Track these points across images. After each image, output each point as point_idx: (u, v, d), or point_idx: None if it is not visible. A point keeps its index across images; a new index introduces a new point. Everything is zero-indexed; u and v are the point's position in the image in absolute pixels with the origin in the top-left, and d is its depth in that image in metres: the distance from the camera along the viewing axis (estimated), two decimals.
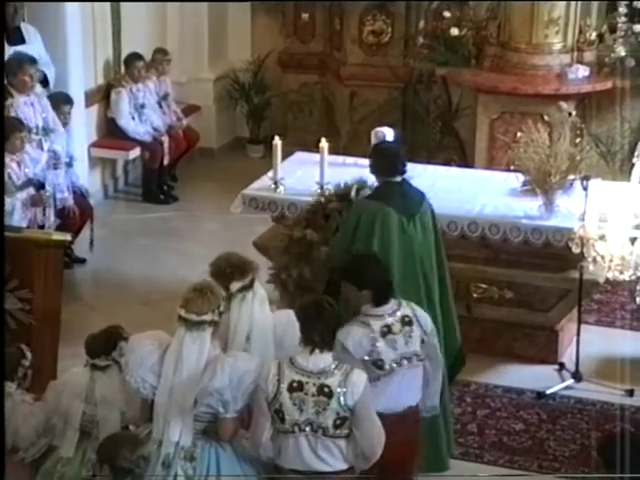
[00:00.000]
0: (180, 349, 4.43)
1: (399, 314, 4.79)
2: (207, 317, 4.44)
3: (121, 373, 4.71)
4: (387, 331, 4.73)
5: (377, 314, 4.77)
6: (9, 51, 7.62)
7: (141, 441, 4.37)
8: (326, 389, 4.34)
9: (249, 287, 4.84)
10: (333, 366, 4.40)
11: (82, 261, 8.01)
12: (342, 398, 4.34)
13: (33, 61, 7.52)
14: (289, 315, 4.93)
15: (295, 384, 4.37)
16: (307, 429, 4.37)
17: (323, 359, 4.41)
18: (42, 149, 7.42)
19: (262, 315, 4.84)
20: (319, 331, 4.41)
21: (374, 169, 5.50)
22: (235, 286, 4.77)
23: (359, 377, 4.41)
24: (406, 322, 4.78)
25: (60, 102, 7.86)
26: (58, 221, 7.43)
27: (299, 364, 4.41)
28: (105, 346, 4.86)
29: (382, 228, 5.30)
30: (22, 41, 7.88)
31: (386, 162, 5.44)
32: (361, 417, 4.37)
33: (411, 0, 8.95)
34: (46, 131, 7.48)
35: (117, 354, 4.82)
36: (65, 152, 7.71)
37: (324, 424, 4.34)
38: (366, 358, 4.68)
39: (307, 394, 4.36)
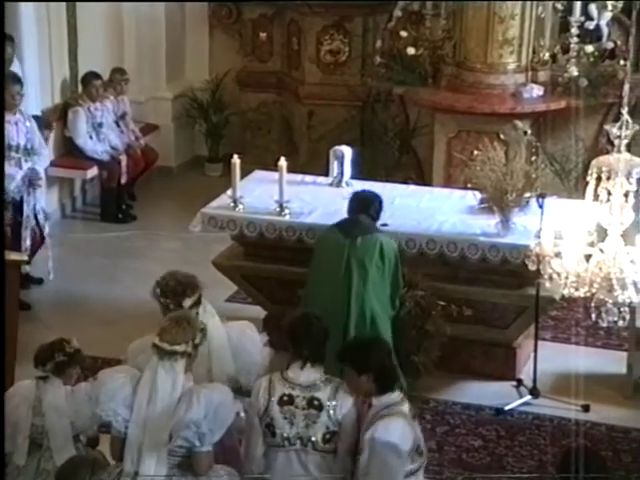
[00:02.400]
0: (154, 379, 4.37)
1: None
2: (179, 348, 4.37)
3: (65, 384, 4.73)
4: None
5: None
6: None
7: (99, 465, 4.32)
8: (316, 402, 4.39)
9: (199, 303, 4.87)
10: (323, 379, 4.45)
11: (39, 281, 7.94)
12: (332, 411, 4.38)
13: (17, 80, 7.46)
14: (242, 325, 4.96)
15: (285, 397, 4.41)
16: (297, 443, 4.41)
17: (314, 372, 4.46)
18: (21, 168, 7.37)
19: (215, 329, 4.86)
20: (309, 345, 4.47)
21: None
22: (187, 303, 4.79)
23: (348, 391, 4.44)
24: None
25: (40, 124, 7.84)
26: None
27: (290, 378, 4.45)
28: (44, 357, 4.84)
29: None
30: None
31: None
32: (347, 432, 4.41)
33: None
34: (28, 152, 7.42)
35: (52, 365, 4.80)
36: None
37: (314, 438, 4.38)
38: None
39: (297, 407, 4.40)
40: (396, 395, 4.38)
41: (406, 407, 4.38)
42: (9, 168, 7.24)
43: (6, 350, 5.63)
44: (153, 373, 4.38)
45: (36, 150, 7.49)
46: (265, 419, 4.41)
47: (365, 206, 6.13)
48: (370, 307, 5.92)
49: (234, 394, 4.77)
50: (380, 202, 6.20)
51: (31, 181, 7.36)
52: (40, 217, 7.56)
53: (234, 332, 4.96)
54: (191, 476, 4.40)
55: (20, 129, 7.39)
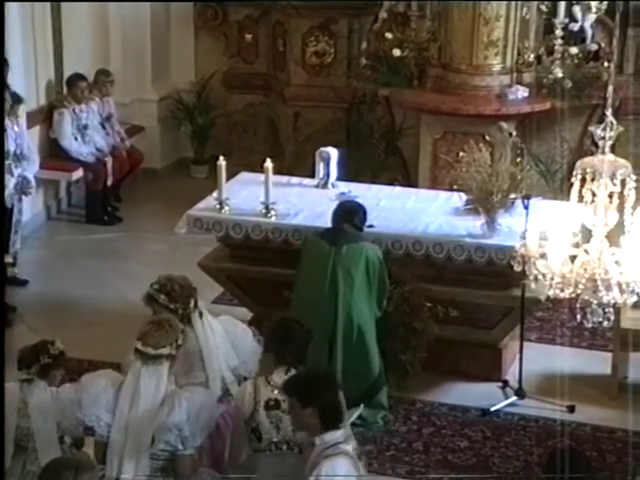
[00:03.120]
0: (137, 383, 4.37)
1: None
2: (164, 351, 4.38)
3: (49, 386, 4.70)
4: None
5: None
6: None
7: (83, 467, 4.31)
8: None
9: (197, 303, 4.93)
10: None
11: (24, 283, 7.92)
12: None
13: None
14: (230, 319, 5.03)
15: (272, 402, 4.42)
16: (284, 447, 4.41)
17: None
18: (12, 174, 7.33)
19: (213, 324, 4.97)
20: (291, 350, 4.48)
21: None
22: (192, 304, 4.88)
23: None
24: None
25: None
26: None
27: (275, 382, 4.46)
28: (29, 359, 4.81)
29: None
30: None
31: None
32: None
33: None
34: (17, 157, 7.38)
35: (37, 368, 4.77)
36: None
37: (300, 441, 4.36)
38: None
39: (284, 412, 4.39)
40: (340, 434, 4.17)
41: (351, 446, 4.18)
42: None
43: None
44: (136, 377, 4.37)
45: (25, 155, 7.45)
46: (251, 423, 4.41)
47: (349, 216, 6.21)
48: (357, 314, 5.98)
49: (222, 395, 4.80)
50: (364, 212, 6.28)
51: (22, 189, 7.35)
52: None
53: (228, 326, 5.02)
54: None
55: (9, 134, 7.34)
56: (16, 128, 7.42)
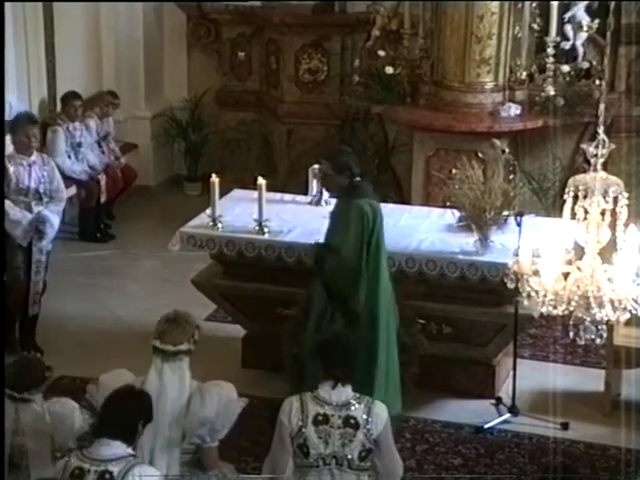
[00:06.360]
0: (161, 381, 4.47)
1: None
2: (183, 347, 4.51)
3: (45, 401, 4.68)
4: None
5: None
6: None
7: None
8: (352, 420, 4.42)
9: None
10: (356, 398, 4.48)
11: None
12: (368, 429, 4.41)
13: (33, 121, 7.19)
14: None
15: (320, 417, 4.42)
16: (332, 462, 4.43)
17: (345, 392, 4.49)
18: (31, 212, 6.98)
19: None
20: (340, 365, 4.48)
21: (341, 170, 5.81)
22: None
23: (381, 409, 4.50)
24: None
25: None
26: None
27: (322, 397, 4.47)
28: (34, 379, 4.76)
29: (371, 221, 5.80)
30: None
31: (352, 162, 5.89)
32: (384, 449, 4.47)
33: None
34: (39, 195, 7.02)
35: (43, 387, 4.75)
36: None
37: (350, 456, 4.41)
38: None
39: (332, 427, 4.42)
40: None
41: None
42: (17, 212, 6.91)
43: None
44: (159, 374, 4.48)
45: (51, 194, 7.07)
46: (298, 439, 4.43)
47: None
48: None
49: None
50: None
51: (37, 227, 6.96)
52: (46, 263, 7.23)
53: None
54: (200, 472, 4.52)
55: (34, 172, 7.00)
56: (46, 167, 7.07)
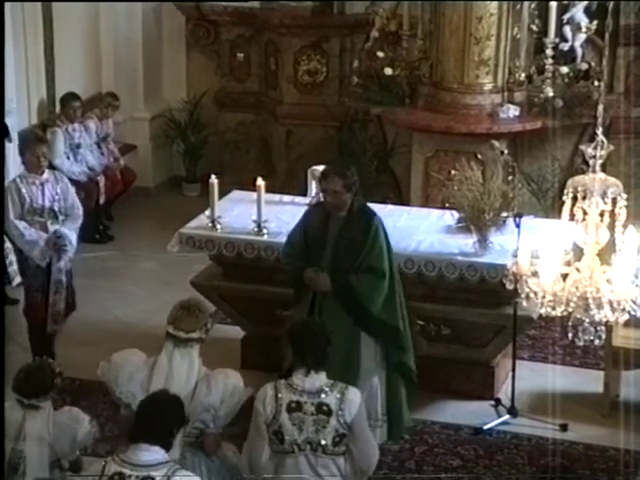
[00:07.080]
0: (170, 366, 4.58)
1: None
2: (195, 335, 4.61)
3: (51, 408, 4.67)
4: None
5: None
6: None
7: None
8: (325, 407, 4.47)
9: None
10: (329, 385, 4.52)
11: (15, 302, 7.89)
12: (341, 415, 4.45)
13: (40, 140, 7.13)
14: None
15: (294, 404, 4.47)
16: (307, 448, 4.48)
17: (319, 379, 4.53)
18: (46, 232, 6.85)
19: None
20: (312, 352, 4.53)
21: (351, 187, 5.84)
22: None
23: (354, 395, 4.54)
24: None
25: None
26: None
27: (296, 385, 4.51)
28: (43, 386, 4.72)
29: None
30: None
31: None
32: (358, 433, 4.51)
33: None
34: (55, 214, 6.90)
35: (52, 393, 4.74)
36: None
37: (323, 442, 4.46)
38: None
39: (306, 413, 4.47)
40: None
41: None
42: (32, 233, 6.79)
43: None
44: (169, 358, 4.58)
45: (67, 211, 6.96)
46: (273, 426, 4.49)
47: None
48: None
49: None
50: None
51: (56, 245, 6.80)
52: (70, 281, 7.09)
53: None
54: (202, 454, 4.62)
55: (47, 190, 6.89)
56: (60, 185, 6.96)
